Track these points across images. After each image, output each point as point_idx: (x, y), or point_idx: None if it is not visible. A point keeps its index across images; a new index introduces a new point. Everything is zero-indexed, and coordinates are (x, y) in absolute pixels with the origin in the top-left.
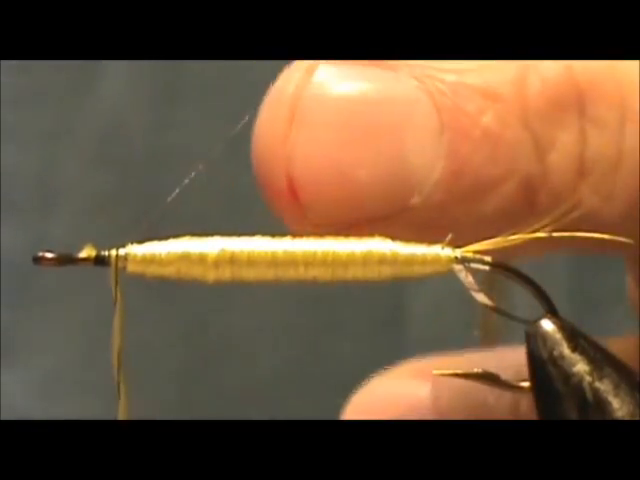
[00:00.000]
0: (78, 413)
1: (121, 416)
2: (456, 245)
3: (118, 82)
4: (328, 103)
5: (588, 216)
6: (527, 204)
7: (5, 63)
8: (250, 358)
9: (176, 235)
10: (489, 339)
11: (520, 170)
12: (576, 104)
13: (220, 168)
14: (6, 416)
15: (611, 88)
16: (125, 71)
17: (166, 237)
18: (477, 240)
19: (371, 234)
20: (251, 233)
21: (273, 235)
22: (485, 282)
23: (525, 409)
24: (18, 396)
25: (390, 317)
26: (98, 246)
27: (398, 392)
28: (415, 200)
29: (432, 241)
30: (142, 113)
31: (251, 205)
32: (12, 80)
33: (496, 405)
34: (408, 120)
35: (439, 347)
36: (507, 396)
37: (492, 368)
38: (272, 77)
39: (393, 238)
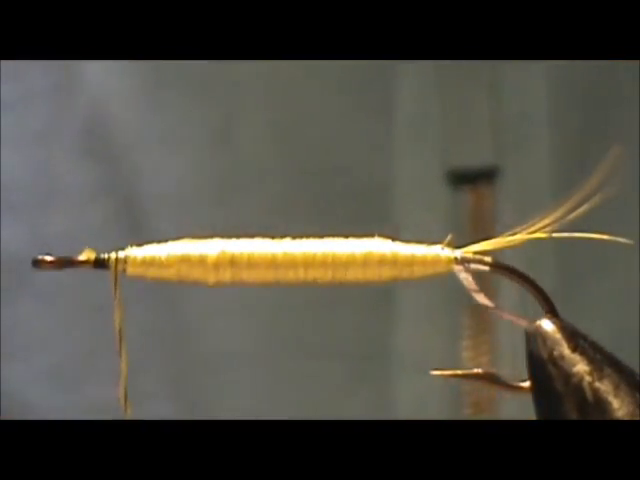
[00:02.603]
0: (81, 403)
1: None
2: (456, 246)
3: (101, 78)
4: None
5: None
6: None
7: None
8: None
9: (176, 238)
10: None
11: None
12: None
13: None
14: (6, 408)
15: None
16: (106, 67)
17: (165, 240)
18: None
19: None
20: (251, 234)
21: (273, 237)
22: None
23: None
24: (18, 389)
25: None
26: (95, 237)
27: None
28: None
29: (432, 242)
30: (127, 106)
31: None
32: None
33: None
34: None
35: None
36: None
37: None
38: (255, 71)
39: (393, 239)
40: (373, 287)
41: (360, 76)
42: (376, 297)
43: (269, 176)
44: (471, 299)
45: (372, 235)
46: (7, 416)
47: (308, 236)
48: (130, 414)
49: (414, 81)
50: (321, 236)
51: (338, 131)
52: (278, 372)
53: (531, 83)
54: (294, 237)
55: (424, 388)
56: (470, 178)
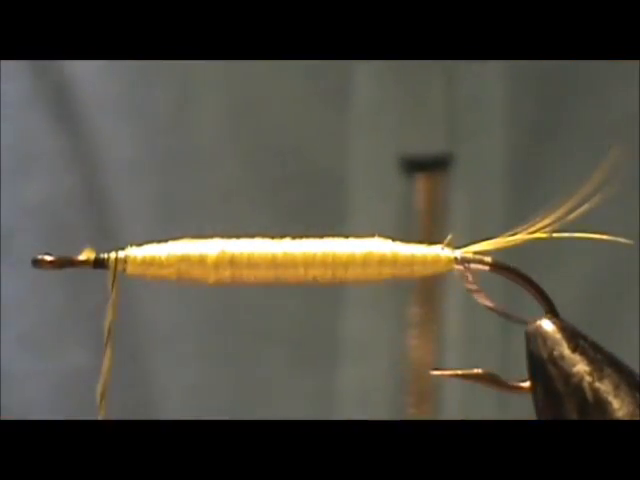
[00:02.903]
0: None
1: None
2: (456, 246)
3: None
4: None
5: None
6: None
7: None
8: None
9: (176, 237)
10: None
11: None
12: None
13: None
14: None
15: None
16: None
17: (165, 239)
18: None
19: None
20: (251, 234)
21: (273, 236)
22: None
23: None
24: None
25: None
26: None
27: None
28: None
29: (432, 242)
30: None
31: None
32: None
33: None
34: None
35: None
36: None
37: None
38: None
39: (393, 239)
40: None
41: (316, 62)
42: None
43: (222, 155)
44: (418, 287)
45: (320, 222)
46: None
47: (258, 221)
48: (104, 414)
49: (369, 67)
50: (272, 222)
51: (292, 115)
52: (219, 355)
53: (485, 70)
54: (245, 219)
55: (368, 376)
56: (424, 165)
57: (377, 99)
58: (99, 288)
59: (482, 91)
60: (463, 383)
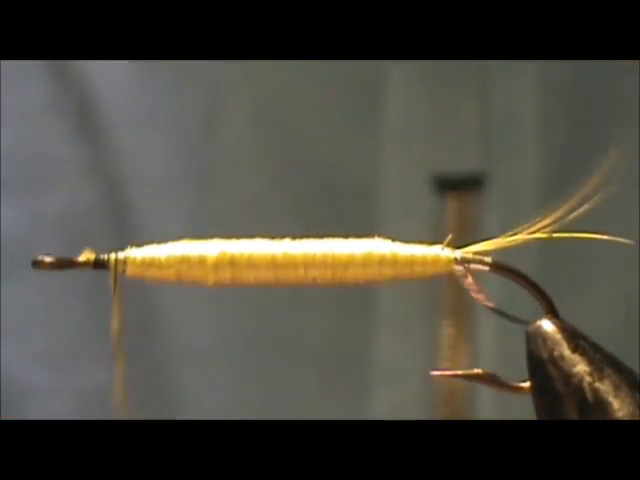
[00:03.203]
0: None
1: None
2: (456, 246)
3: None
4: None
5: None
6: None
7: None
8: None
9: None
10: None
11: None
12: None
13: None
14: (5, 387)
15: None
16: None
17: (165, 240)
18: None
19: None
20: (251, 235)
21: (273, 237)
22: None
23: None
24: (16, 367)
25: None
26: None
27: None
28: None
29: (432, 242)
30: (117, 88)
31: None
32: None
33: None
34: None
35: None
36: None
37: None
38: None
39: (393, 239)
40: (351, 291)
41: (348, 76)
42: (354, 302)
43: (252, 170)
44: (450, 307)
45: (353, 236)
46: (5, 396)
47: (288, 235)
48: (125, 414)
49: (402, 84)
50: (302, 235)
51: (323, 131)
52: (250, 375)
53: (520, 89)
54: (274, 234)
55: (399, 396)
56: (456, 184)
57: (410, 116)
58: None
59: (516, 110)
60: (496, 405)
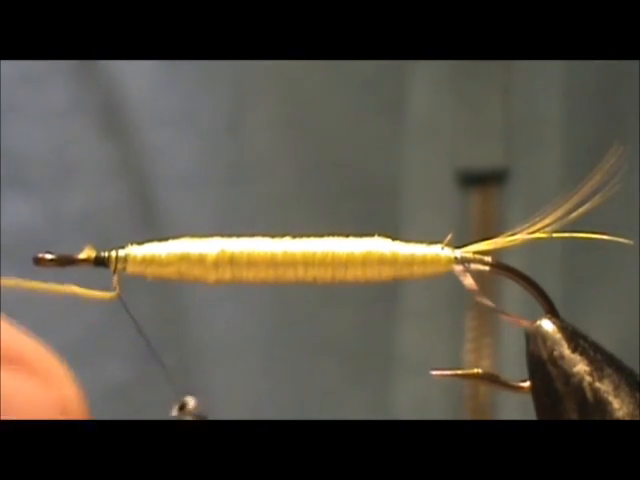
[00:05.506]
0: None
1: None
2: (456, 245)
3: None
4: None
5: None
6: None
7: None
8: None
9: (176, 236)
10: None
11: None
12: None
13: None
14: None
15: None
16: None
17: (166, 238)
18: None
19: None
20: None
21: (273, 235)
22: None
23: None
24: None
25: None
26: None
27: None
28: None
29: (437, 241)
30: (143, 86)
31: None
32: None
33: None
34: None
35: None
36: None
37: None
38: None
39: (393, 238)
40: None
41: (373, 72)
42: (379, 296)
43: (278, 168)
44: (474, 301)
45: (375, 234)
46: None
47: (314, 232)
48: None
49: (426, 80)
50: (327, 233)
51: (348, 127)
52: (276, 367)
53: (544, 84)
54: (296, 234)
55: (424, 390)
56: (480, 179)
57: (434, 111)
58: (139, 302)
59: (539, 106)
60: (520, 401)
